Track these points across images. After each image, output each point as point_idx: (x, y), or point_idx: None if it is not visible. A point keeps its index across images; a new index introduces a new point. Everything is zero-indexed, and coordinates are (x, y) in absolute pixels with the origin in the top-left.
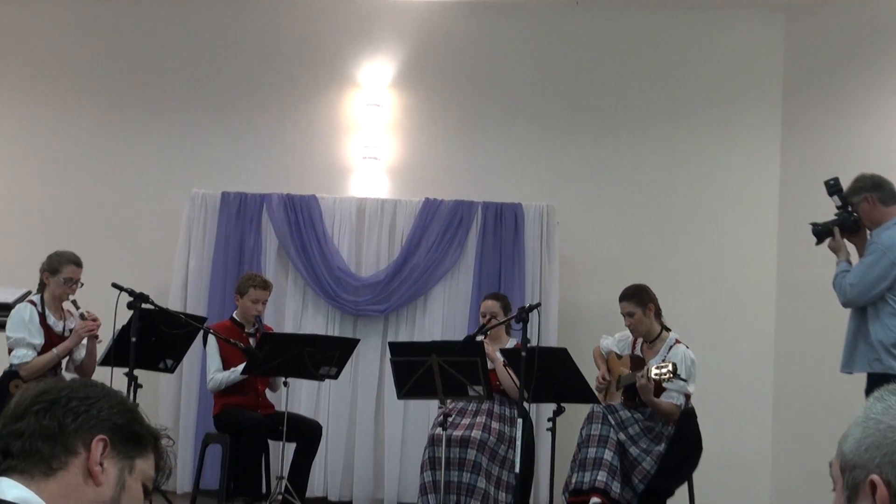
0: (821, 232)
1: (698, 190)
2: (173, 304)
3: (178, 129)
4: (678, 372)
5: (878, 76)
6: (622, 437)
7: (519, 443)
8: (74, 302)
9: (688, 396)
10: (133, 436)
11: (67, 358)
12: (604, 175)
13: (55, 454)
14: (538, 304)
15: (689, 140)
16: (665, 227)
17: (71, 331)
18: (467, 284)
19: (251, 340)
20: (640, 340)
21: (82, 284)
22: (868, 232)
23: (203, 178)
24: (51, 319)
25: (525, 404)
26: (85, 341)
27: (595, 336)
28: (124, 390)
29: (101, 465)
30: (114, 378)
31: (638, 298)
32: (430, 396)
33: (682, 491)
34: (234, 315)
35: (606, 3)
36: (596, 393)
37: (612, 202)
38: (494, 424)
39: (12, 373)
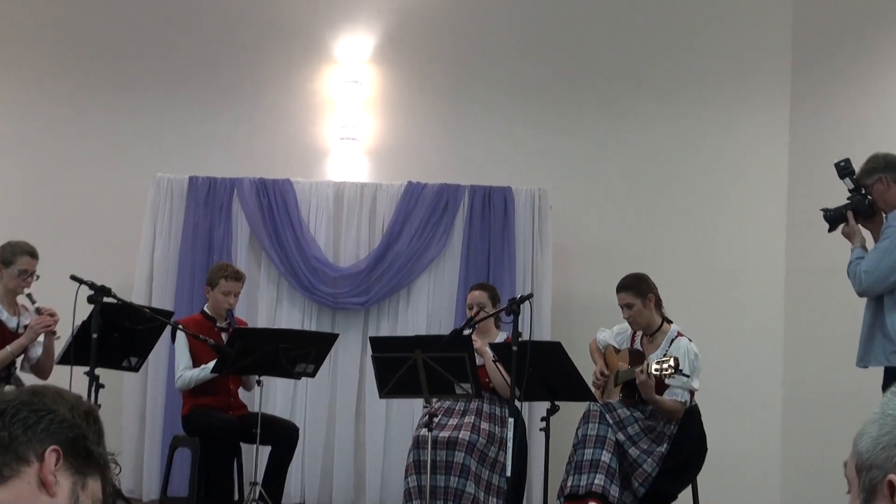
0: (833, 217)
1: (702, 171)
2: (137, 297)
3: (140, 108)
4: (680, 367)
5: (890, 50)
6: (621, 437)
7: (510, 444)
8: (30, 296)
9: (692, 393)
10: (84, 452)
11: (22, 356)
12: (600, 156)
13: (6, 462)
14: (530, 295)
15: (692, 118)
16: (666, 211)
17: (26, 327)
18: (454, 274)
19: (223, 336)
20: (639, 333)
21: (38, 277)
22: (884, 215)
23: (168, 162)
24: (3, 315)
25: (517, 403)
26: (41, 338)
27: (591, 329)
28: (85, 391)
29: (54, 475)
30: (74, 377)
31: (637, 288)
32: (415, 395)
33: (686, 494)
34: (205, 309)
35: None
36: (593, 390)
37: (610, 185)
38: (484, 425)
39: None
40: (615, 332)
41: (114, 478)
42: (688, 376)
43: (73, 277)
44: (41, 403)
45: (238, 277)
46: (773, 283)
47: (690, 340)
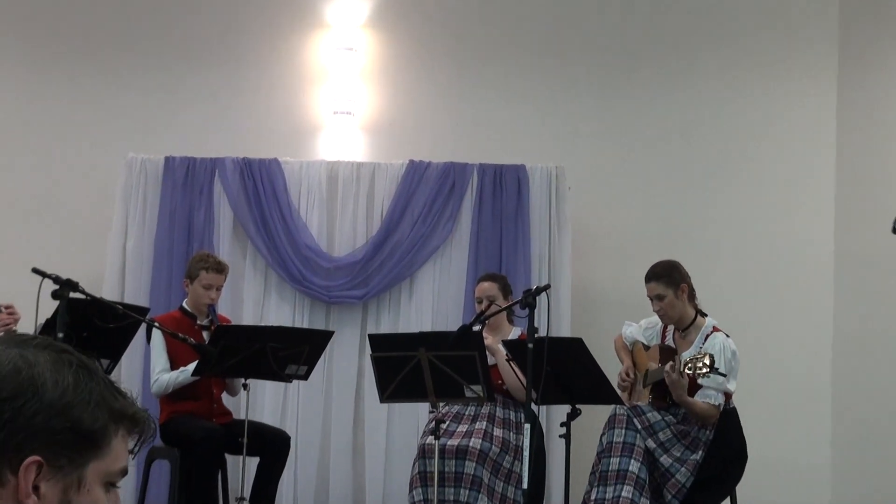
0: None
1: (738, 144)
2: (109, 292)
3: (110, 82)
4: (716, 365)
5: None
6: (651, 444)
7: (527, 453)
8: None
9: (728, 395)
10: (80, 439)
11: None
12: (623, 129)
13: None
14: (547, 286)
15: (726, 84)
16: (699, 191)
17: None
18: (461, 264)
19: (204, 334)
20: (670, 328)
21: None
22: None
23: (141, 141)
24: None
25: (533, 406)
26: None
27: (616, 323)
28: None
29: (37, 488)
30: None
31: (668, 277)
32: (419, 399)
33: None
34: (184, 304)
35: None
36: (618, 392)
37: (635, 161)
38: (497, 431)
39: None
40: (643, 326)
41: (147, 419)
42: (724, 376)
43: (36, 270)
44: (19, 385)
45: (220, 269)
46: (821, 270)
47: (728, 336)
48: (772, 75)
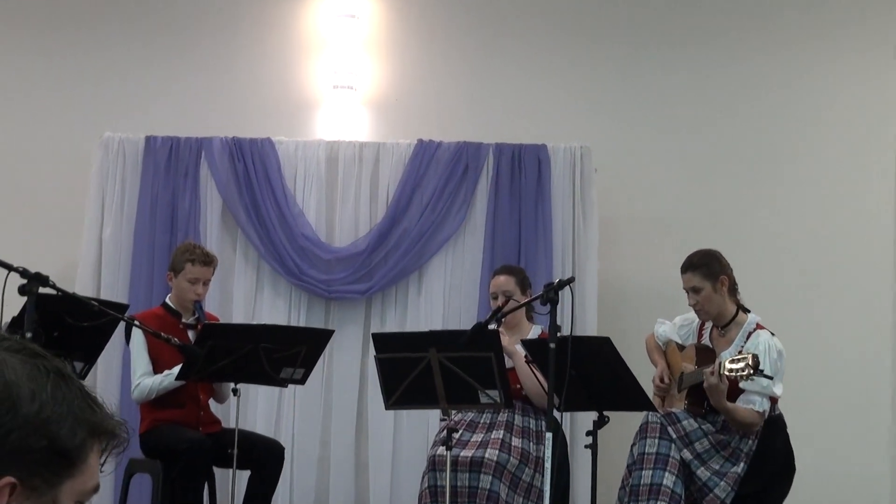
0: None
1: (788, 125)
2: (83, 287)
3: (83, 54)
4: (760, 367)
5: None
6: (687, 455)
7: (548, 465)
8: None
9: (774, 400)
10: (57, 457)
11: None
12: (658, 105)
13: None
14: (571, 280)
15: (776, 58)
16: (742, 174)
17: None
18: (476, 255)
19: (189, 334)
20: (708, 325)
21: None
22: None
23: (120, 118)
24: None
25: (556, 414)
26: None
27: (647, 321)
28: None
29: None
30: None
31: (707, 268)
32: (429, 405)
33: None
34: (167, 300)
35: None
36: (651, 397)
37: (670, 141)
38: (515, 441)
39: None
40: (678, 324)
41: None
42: (770, 378)
43: (1, 263)
44: None
45: (208, 261)
46: (880, 264)
47: (773, 335)
48: (829, 50)
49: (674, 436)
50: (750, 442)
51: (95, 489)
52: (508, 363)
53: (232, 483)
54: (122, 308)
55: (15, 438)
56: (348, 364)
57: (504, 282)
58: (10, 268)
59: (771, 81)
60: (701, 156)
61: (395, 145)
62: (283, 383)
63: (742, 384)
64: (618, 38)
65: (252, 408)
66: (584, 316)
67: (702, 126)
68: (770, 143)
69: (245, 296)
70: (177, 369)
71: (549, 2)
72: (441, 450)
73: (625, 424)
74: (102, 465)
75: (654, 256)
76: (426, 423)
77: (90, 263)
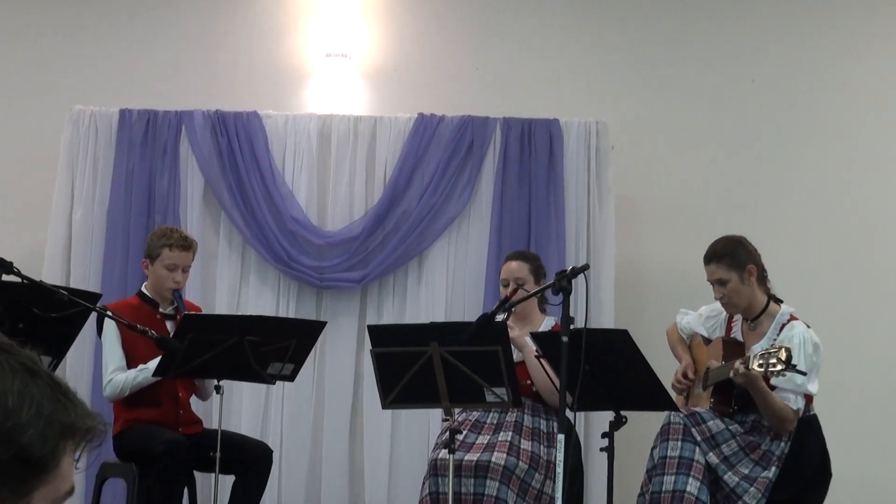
0: None
1: (824, 98)
2: (50, 274)
3: (51, 19)
4: (793, 362)
5: None
6: (713, 458)
7: (560, 470)
8: None
9: (809, 399)
10: (27, 466)
11: None
12: (680, 77)
13: None
14: (586, 267)
15: (805, 22)
16: (772, 153)
17: None
18: (481, 239)
19: (168, 325)
20: (737, 318)
21: None
22: None
23: (91, 91)
24: None
25: (568, 414)
26: None
27: (669, 311)
28: None
29: None
30: None
31: (731, 258)
32: (430, 404)
33: None
34: (143, 289)
35: None
36: (673, 395)
37: (693, 117)
38: (524, 444)
39: None
40: (704, 315)
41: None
42: (804, 374)
43: None
44: None
45: (187, 246)
46: None
47: (808, 327)
48: (867, 20)
49: (698, 438)
50: (782, 444)
51: (70, 492)
52: (517, 358)
53: (214, 489)
54: (93, 297)
55: None
56: (342, 359)
57: (517, 268)
58: None
59: (805, 52)
60: (727, 132)
61: (393, 119)
62: (270, 380)
63: (774, 380)
64: (635, 6)
65: (237, 406)
66: (599, 306)
67: (728, 100)
68: (804, 119)
69: (229, 284)
70: (154, 364)
71: None
72: (443, 453)
73: (644, 425)
74: (77, 461)
75: (677, 241)
76: (427, 423)
77: (59, 249)
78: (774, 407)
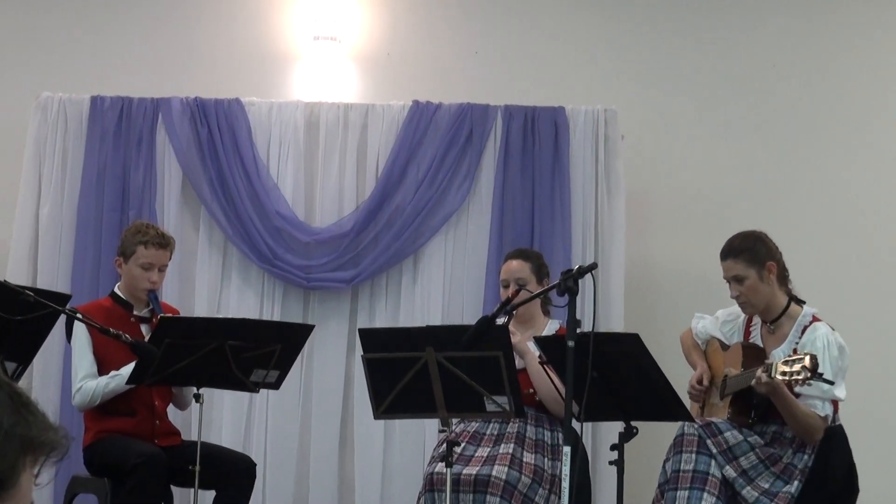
0: None
1: (847, 83)
2: (16, 274)
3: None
4: (819, 370)
5: None
6: (730, 472)
7: (566, 484)
8: None
9: (836, 405)
10: None
11: None
12: (694, 61)
13: None
14: (593, 266)
15: (838, 10)
16: (795, 144)
17: None
18: (481, 236)
19: (143, 329)
20: (757, 321)
21: None
22: None
23: (60, 75)
24: None
25: (575, 424)
26: None
27: (684, 314)
28: None
29: None
30: None
31: (750, 254)
32: (426, 414)
33: None
34: (116, 290)
35: None
36: (688, 404)
37: (708, 103)
38: (527, 457)
39: None
40: (721, 318)
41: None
42: (830, 383)
43: None
44: None
45: (164, 243)
46: None
47: (833, 329)
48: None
49: (714, 450)
50: (805, 457)
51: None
52: (520, 364)
53: None
54: (62, 299)
55: None
56: (331, 365)
57: (517, 268)
58: None
59: (833, 32)
60: (748, 120)
61: (386, 107)
62: (253, 388)
63: (798, 389)
64: None
65: (217, 416)
66: (608, 308)
67: (747, 87)
68: (828, 108)
69: (209, 284)
70: (127, 370)
71: None
72: (440, 466)
73: (656, 437)
74: (37, 477)
75: (692, 238)
76: (422, 435)
77: (24, 246)
78: (801, 416)
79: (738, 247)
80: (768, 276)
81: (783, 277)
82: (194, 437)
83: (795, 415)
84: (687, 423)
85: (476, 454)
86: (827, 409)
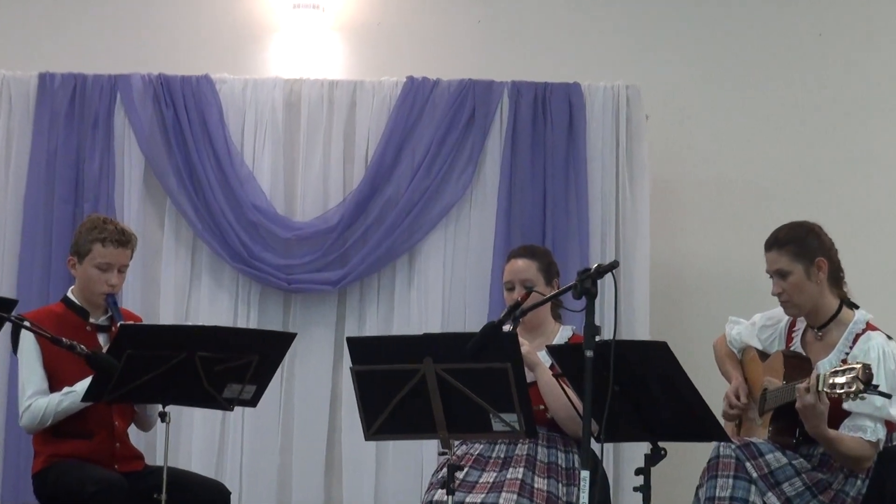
0: None
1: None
2: None
3: None
4: (874, 381)
5: None
6: (772, 499)
7: None
8: None
9: (891, 426)
10: None
11: None
12: (726, 32)
13: None
14: (614, 265)
15: None
16: (840, 129)
17: None
18: (486, 231)
19: (100, 338)
20: (801, 325)
21: None
22: None
23: (4, 50)
24: None
25: (594, 445)
26: None
27: (717, 319)
28: None
29: None
30: None
31: (798, 246)
32: (423, 435)
33: None
34: (69, 294)
35: None
36: (722, 422)
37: (743, 79)
38: (539, 482)
39: None
40: (758, 324)
41: None
42: (887, 396)
43: None
44: None
45: (123, 241)
46: None
47: (890, 338)
48: None
49: (754, 474)
50: (858, 482)
51: None
52: (530, 377)
53: None
54: (7, 305)
55: None
56: (315, 379)
57: (523, 267)
58: None
59: (879, 12)
60: (789, 98)
61: (377, 84)
62: (227, 405)
63: (847, 404)
64: None
65: (186, 438)
66: (631, 313)
67: (790, 58)
68: (886, 80)
69: (176, 287)
70: (83, 386)
71: None
72: (440, 494)
73: (688, 459)
74: None
75: (726, 233)
76: (419, 458)
77: None
78: (841, 448)
79: (784, 237)
80: (817, 273)
81: (836, 278)
82: (160, 462)
83: (829, 439)
84: (723, 443)
85: (481, 480)
86: (879, 433)
